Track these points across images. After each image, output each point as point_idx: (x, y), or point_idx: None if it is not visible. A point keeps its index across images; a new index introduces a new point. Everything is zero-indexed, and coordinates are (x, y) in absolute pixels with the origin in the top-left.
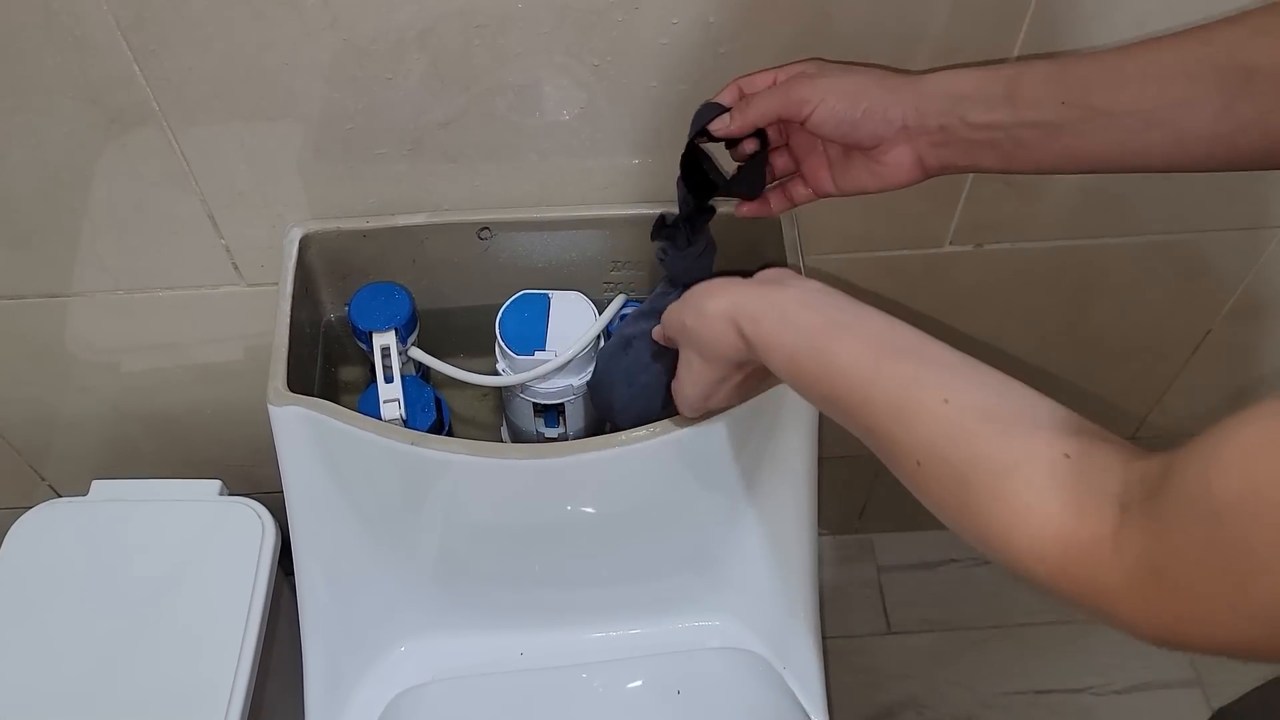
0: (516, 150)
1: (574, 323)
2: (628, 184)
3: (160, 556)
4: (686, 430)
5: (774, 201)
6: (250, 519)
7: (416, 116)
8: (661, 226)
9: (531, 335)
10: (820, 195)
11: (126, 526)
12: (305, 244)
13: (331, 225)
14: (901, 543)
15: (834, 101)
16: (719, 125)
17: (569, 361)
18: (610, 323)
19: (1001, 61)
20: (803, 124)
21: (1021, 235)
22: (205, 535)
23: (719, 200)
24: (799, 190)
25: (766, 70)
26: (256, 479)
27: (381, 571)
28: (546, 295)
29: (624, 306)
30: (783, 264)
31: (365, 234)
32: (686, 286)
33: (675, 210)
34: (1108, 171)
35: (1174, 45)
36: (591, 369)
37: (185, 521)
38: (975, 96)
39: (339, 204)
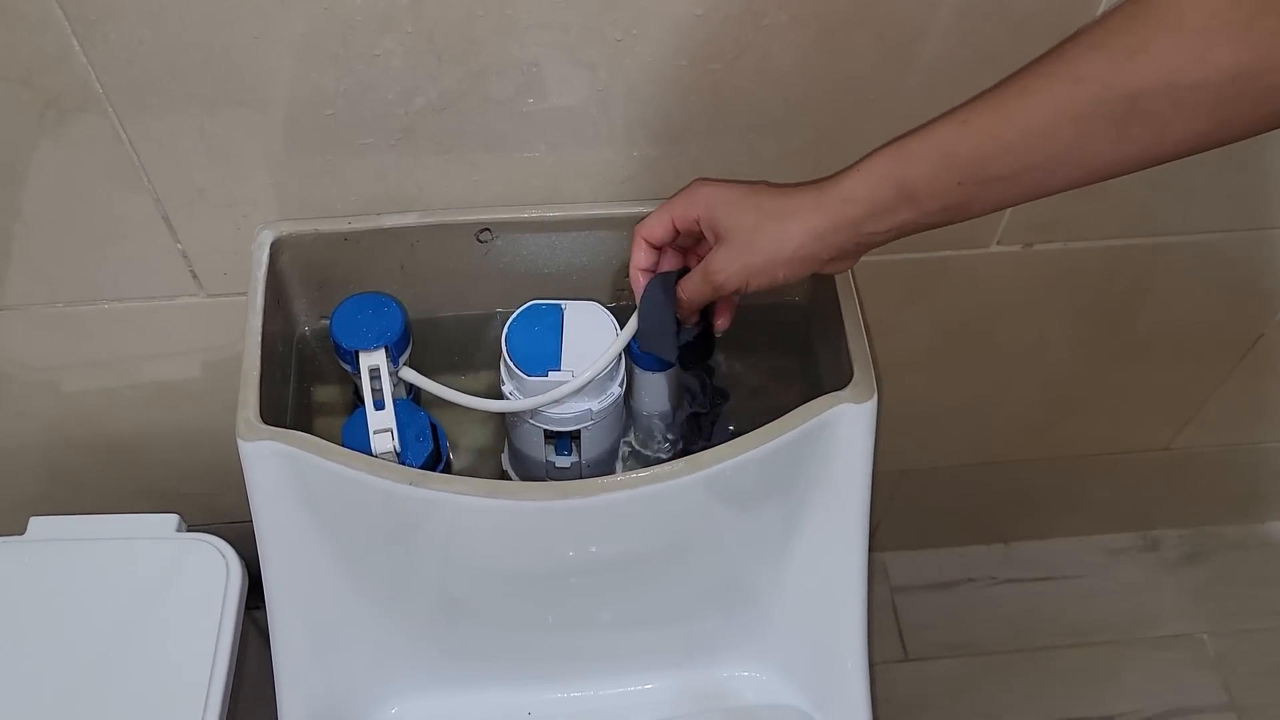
0: (522, 140)
1: (592, 338)
2: (648, 178)
3: (110, 603)
4: (728, 464)
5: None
6: (212, 558)
7: (407, 100)
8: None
9: (543, 353)
10: None
11: (70, 570)
12: (276, 249)
13: (307, 227)
14: (915, 561)
15: (756, 283)
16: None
17: (588, 383)
18: (631, 337)
19: (884, 146)
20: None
21: (1075, 235)
22: (161, 578)
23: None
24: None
25: (659, 213)
26: (219, 509)
27: (370, 624)
28: (559, 306)
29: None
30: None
31: (347, 237)
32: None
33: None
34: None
35: (1045, 95)
36: (612, 392)
37: (138, 563)
38: (870, 214)
39: (316, 202)
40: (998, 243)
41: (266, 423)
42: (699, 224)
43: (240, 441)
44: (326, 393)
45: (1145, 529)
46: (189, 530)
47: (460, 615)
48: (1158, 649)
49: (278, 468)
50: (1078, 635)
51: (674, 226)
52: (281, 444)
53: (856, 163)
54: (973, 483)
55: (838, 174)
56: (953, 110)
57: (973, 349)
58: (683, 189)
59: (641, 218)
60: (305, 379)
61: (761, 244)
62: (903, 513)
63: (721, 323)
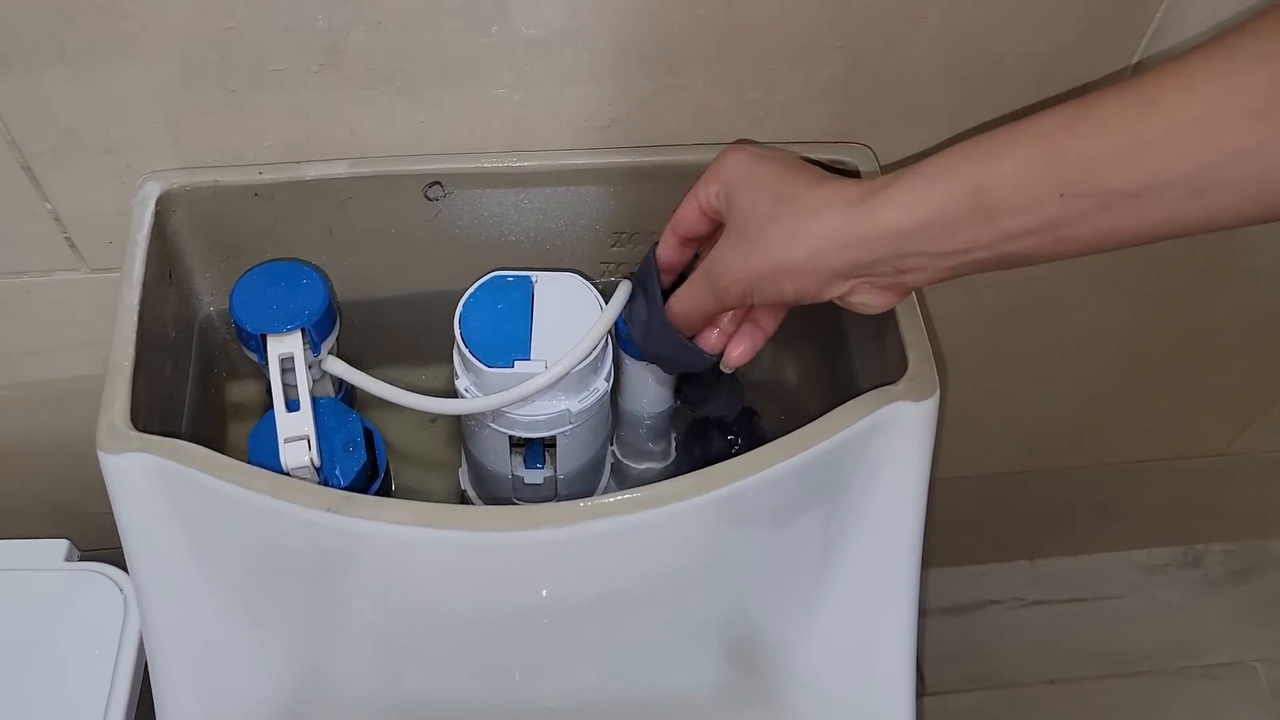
0: (480, 69)
1: (570, 319)
2: (641, 119)
3: None
4: (749, 482)
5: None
6: (107, 592)
7: (330, 13)
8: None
9: (508, 338)
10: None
11: None
12: (166, 205)
13: (206, 178)
14: (933, 581)
15: (762, 294)
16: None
17: (563, 376)
18: (618, 315)
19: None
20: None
21: None
22: (46, 615)
23: None
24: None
25: (688, 197)
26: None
27: (284, 685)
28: (528, 278)
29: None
30: None
31: (258, 191)
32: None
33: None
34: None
35: (1209, 74)
36: (596, 388)
37: (19, 597)
38: (922, 226)
39: (220, 149)
40: None
41: (150, 430)
42: (713, 206)
43: (101, 454)
44: (241, 391)
45: (1185, 543)
46: (82, 558)
47: (401, 674)
48: (1205, 679)
49: (154, 488)
50: (1115, 664)
51: (702, 211)
52: (157, 456)
53: (923, 161)
54: (999, 493)
55: (898, 172)
56: (1071, 101)
57: (1017, 340)
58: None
59: (631, 169)
60: (213, 375)
61: (767, 242)
62: None
63: (738, 353)
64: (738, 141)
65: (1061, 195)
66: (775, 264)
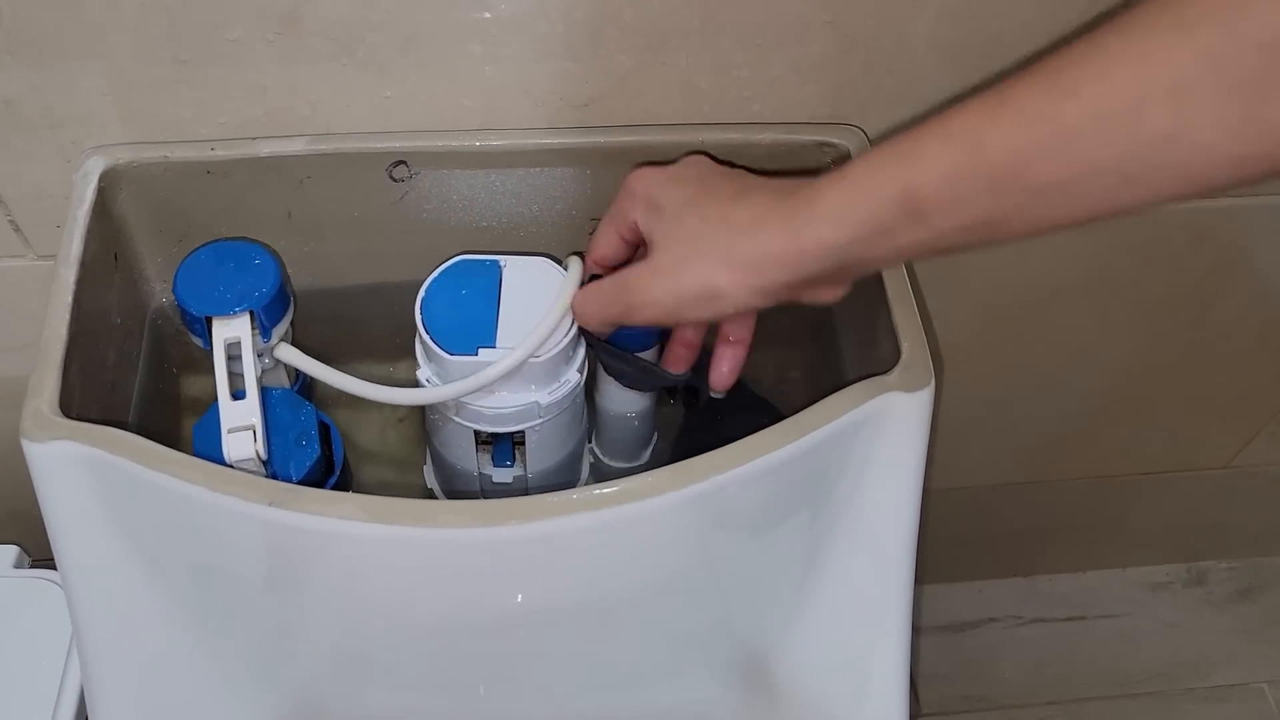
0: (449, 41)
1: (538, 304)
2: (620, 98)
3: None
4: (730, 475)
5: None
6: (58, 601)
7: None
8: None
9: (473, 325)
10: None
11: None
12: (110, 182)
13: (155, 154)
14: (928, 598)
15: (692, 316)
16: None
17: (526, 364)
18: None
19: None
20: None
21: None
22: None
23: None
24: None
25: (603, 226)
26: None
27: (232, 701)
28: (496, 262)
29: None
30: None
31: (210, 169)
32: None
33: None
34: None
35: (1127, 54)
36: (568, 380)
37: None
38: (858, 238)
39: (170, 122)
40: None
41: (87, 421)
42: (639, 229)
43: (25, 442)
44: (197, 385)
45: (1189, 560)
46: (33, 565)
47: (362, 685)
48: (1210, 700)
49: (83, 479)
50: (1116, 685)
51: (622, 240)
52: (85, 445)
53: (845, 164)
54: (995, 507)
55: (820, 177)
56: (989, 91)
57: (1015, 342)
58: (621, 187)
59: (610, 150)
60: (167, 368)
61: (698, 266)
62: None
63: (723, 374)
64: (642, 164)
65: (990, 192)
66: (709, 285)
